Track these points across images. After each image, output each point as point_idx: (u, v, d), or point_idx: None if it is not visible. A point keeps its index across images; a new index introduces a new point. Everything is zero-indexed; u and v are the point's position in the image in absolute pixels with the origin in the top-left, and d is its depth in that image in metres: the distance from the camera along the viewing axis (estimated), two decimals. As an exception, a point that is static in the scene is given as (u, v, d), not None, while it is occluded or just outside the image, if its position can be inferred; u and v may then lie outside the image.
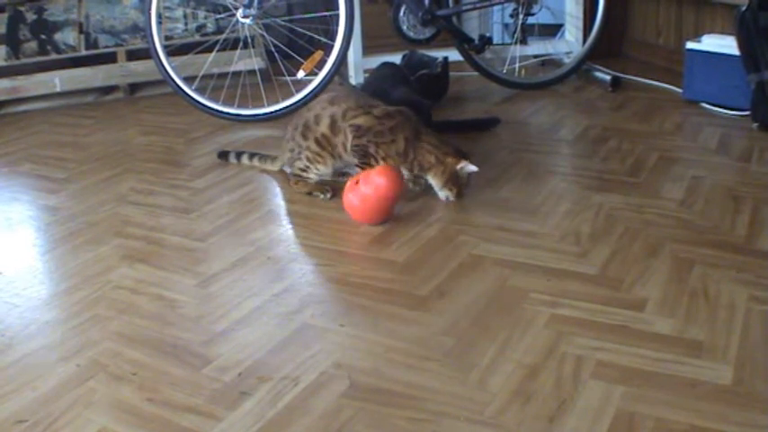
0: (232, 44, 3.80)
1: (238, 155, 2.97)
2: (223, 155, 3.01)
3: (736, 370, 1.59)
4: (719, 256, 2.06)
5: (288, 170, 2.68)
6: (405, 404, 1.54)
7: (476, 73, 3.74)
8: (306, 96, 3.30)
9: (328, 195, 2.57)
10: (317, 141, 2.56)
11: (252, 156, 2.93)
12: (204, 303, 1.97)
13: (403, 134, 2.47)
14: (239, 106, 3.49)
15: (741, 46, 2.99)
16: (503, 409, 1.51)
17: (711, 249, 2.10)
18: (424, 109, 2.87)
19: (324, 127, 2.55)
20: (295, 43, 3.87)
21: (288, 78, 3.59)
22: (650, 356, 1.65)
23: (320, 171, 2.59)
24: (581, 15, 4.00)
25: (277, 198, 2.64)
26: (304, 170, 2.60)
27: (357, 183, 2.35)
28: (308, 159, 2.58)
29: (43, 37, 4.12)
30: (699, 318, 1.78)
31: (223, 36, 3.70)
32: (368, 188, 2.32)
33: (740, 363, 1.61)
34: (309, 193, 2.60)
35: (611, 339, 1.71)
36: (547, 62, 4.17)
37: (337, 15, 3.32)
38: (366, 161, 2.47)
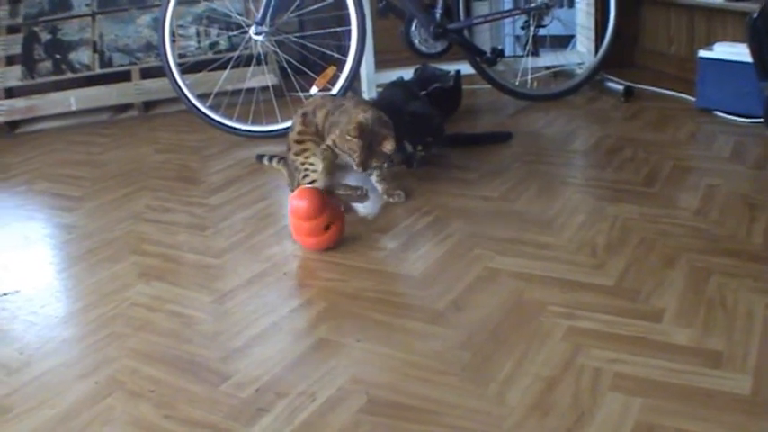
0: (245, 61, 3.81)
1: (271, 158, 3.10)
2: (259, 158, 3.18)
3: (755, 379, 1.58)
4: (736, 264, 2.06)
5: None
6: (422, 419, 1.54)
7: (488, 86, 3.74)
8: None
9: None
10: (297, 141, 2.65)
11: (280, 160, 3.03)
12: (221, 320, 1.98)
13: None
14: (253, 123, 3.51)
15: (753, 53, 2.98)
16: (521, 422, 1.51)
17: (728, 258, 2.09)
18: (434, 124, 2.90)
19: (298, 126, 2.66)
20: (308, 59, 3.89)
21: (301, 94, 3.60)
22: (668, 367, 1.64)
23: (316, 164, 2.62)
24: (592, 26, 4.00)
25: (292, 213, 2.65)
26: (307, 175, 2.64)
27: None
28: (302, 164, 2.64)
29: (58, 56, 4.15)
30: (716, 327, 1.77)
31: (236, 53, 3.72)
32: (292, 216, 2.33)
33: (759, 372, 1.60)
34: None
35: (629, 351, 1.71)
36: (559, 73, 4.17)
37: (349, 31, 3.34)
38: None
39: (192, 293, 2.14)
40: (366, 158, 2.47)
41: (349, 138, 2.44)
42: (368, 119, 2.47)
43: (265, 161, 3.13)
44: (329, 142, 2.54)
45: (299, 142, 2.65)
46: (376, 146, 2.46)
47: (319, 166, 2.59)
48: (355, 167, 2.51)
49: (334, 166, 2.62)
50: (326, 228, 2.30)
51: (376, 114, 2.52)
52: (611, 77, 3.92)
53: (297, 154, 2.64)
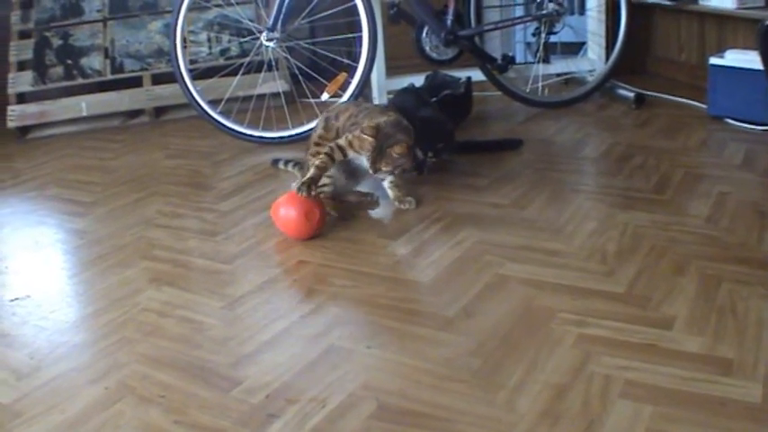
0: (256, 67, 3.82)
1: (287, 162, 3.14)
2: (275, 162, 3.23)
3: (765, 387, 1.57)
4: (747, 272, 2.05)
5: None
6: (432, 425, 1.54)
7: (499, 92, 3.74)
8: (330, 118, 3.31)
9: (335, 215, 2.60)
10: (316, 144, 2.69)
11: (296, 164, 3.04)
12: (231, 325, 1.98)
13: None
14: (264, 129, 3.51)
15: (765, 60, 2.97)
16: (531, 429, 1.50)
17: (738, 266, 2.09)
18: (446, 130, 2.90)
19: (319, 129, 2.71)
20: (318, 65, 3.89)
21: (312, 100, 3.61)
22: (679, 375, 1.63)
23: (329, 172, 2.62)
24: (603, 33, 4.00)
25: (302, 219, 2.65)
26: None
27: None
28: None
29: (69, 62, 4.17)
30: (727, 335, 1.77)
31: (247, 59, 3.72)
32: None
33: (771, 381, 1.60)
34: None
35: (640, 358, 1.70)
36: (570, 80, 4.17)
37: (360, 37, 3.34)
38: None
39: (202, 299, 2.14)
40: (375, 159, 2.47)
41: (364, 136, 2.45)
42: (387, 123, 2.48)
43: (281, 165, 3.15)
44: (343, 142, 2.54)
45: (317, 144, 2.68)
46: (387, 148, 2.46)
47: (328, 177, 2.59)
48: (368, 167, 2.52)
49: (329, 168, 2.58)
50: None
51: (397, 120, 2.53)
52: (622, 84, 3.91)
53: (313, 155, 2.65)
